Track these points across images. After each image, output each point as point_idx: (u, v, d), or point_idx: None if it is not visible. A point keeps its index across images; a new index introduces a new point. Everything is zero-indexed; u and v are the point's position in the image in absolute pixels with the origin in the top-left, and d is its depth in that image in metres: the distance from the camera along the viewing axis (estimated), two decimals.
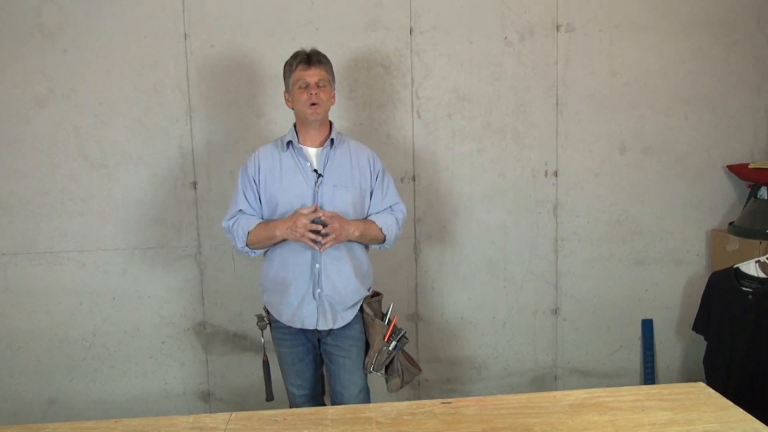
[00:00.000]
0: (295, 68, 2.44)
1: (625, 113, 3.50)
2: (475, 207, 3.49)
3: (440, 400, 2.00)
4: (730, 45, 3.52)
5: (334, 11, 3.29)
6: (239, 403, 3.47)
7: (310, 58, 2.43)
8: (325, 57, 2.48)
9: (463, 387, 3.60)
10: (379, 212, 2.57)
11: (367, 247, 2.62)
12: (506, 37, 3.40)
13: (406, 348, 2.62)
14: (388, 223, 2.55)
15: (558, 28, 3.41)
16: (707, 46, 3.51)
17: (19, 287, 3.31)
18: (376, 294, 2.65)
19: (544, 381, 3.66)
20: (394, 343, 2.53)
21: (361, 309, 2.57)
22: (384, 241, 2.56)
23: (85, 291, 3.34)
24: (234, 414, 1.93)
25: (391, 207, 2.60)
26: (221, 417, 1.92)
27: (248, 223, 2.47)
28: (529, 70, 3.43)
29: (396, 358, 2.56)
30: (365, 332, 2.59)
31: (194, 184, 3.32)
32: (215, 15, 3.24)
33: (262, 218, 2.52)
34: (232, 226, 2.50)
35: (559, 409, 1.90)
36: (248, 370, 3.45)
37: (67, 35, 3.19)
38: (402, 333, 2.55)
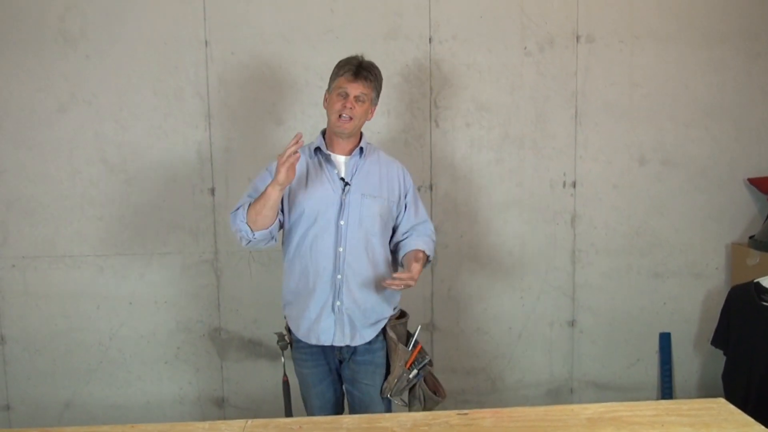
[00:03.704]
0: (341, 75, 2.35)
1: (645, 124, 3.48)
2: (493, 217, 3.47)
3: (456, 412, 1.98)
4: (752, 57, 3.49)
5: (354, 19, 3.30)
6: (253, 409, 3.47)
7: (359, 71, 2.34)
8: (375, 74, 2.39)
9: (478, 398, 3.58)
10: (415, 236, 2.49)
11: (394, 263, 2.54)
12: (526, 47, 3.39)
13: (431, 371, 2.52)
14: (431, 249, 2.49)
15: (578, 38, 3.40)
16: (729, 58, 3.48)
17: (38, 290, 3.33)
18: (402, 315, 2.54)
19: (560, 393, 3.63)
20: (415, 371, 2.41)
21: (385, 332, 2.45)
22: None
23: (103, 295, 3.36)
24: (250, 421, 1.93)
25: (420, 224, 2.52)
26: (237, 424, 1.91)
27: (250, 201, 2.32)
28: (549, 80, 3.42)
29: (417, 385, 2.45)
30: (387, 356, 2.46)
31: (212, 191, 3.34)
32: (236, 22, 3.26)
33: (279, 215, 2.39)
34: (237, 210, 2.35)
35: (576, 423, 1.88)
36: (263, 376, 3.45)
37: (89, 41, 3.22)
38: (425, 361, 2.44)
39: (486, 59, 3.38)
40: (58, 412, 3.41)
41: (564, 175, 3.48)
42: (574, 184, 3.49)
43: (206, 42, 3.27)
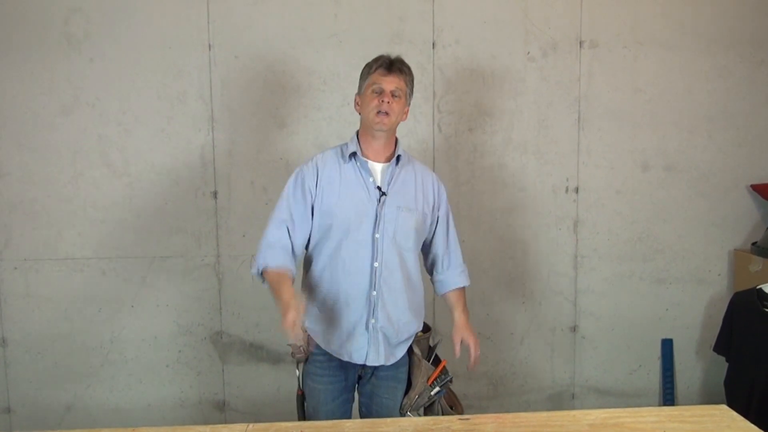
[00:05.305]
0: (374, 71, 2.23)
1: (648, 130, 3.48)
2: (495, 222, 3.47)
3: (458, 417, 1.98)
4: (755, 64, 3.49)
5: (357, 24, 3.30)
6: (254, 413, 3.46)
7: (392, 65, 2.22)
8: (408, 68, 2.27)
9: (480, 403, 3.57)
10: (451, 270, 2.51)
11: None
12: (529, 53, 3.39)
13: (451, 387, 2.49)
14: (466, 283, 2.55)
15: (581, 44, 3.41)
16: (732, 65, 3.48)
17: (40, 293, 3.33)
18: (427, 329, 2.48)
19: (561, 399, 3.62)
20: (437, 388, 2.35)
21: (410, 347, 2.38)
22: None
23: (105, 298, 3.36)
24: (251, 425, 1.92)
25: (453, 253, 2.51)
26: (238, 428, 1.91)
27: (276, 260, 2.20)
28: (552, 86, 3.42)
29: (437, 402, 2.37)
30: (409, 371, 2.39)
31: (215, 194, 3.34)
32: (240, 26, 3.27)
33: (308, 238, 2.29)
34: (265, 248, 2.24)
35: (578, 429, 1.88)
36: (264, 380, 3.45)
37: (93, 44, 3.23)
38: (448, 378, 2.37)
39: (489, 64, 3.39)
40: (59, 414, 3.41)
41: (567, 180, 3.48)
42: (576, 190, 3.49)
43: (210, 45, 3.27)
